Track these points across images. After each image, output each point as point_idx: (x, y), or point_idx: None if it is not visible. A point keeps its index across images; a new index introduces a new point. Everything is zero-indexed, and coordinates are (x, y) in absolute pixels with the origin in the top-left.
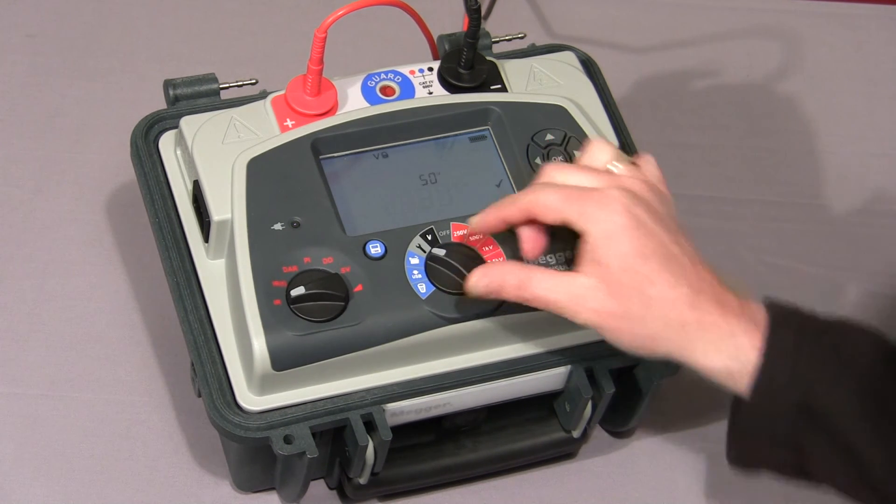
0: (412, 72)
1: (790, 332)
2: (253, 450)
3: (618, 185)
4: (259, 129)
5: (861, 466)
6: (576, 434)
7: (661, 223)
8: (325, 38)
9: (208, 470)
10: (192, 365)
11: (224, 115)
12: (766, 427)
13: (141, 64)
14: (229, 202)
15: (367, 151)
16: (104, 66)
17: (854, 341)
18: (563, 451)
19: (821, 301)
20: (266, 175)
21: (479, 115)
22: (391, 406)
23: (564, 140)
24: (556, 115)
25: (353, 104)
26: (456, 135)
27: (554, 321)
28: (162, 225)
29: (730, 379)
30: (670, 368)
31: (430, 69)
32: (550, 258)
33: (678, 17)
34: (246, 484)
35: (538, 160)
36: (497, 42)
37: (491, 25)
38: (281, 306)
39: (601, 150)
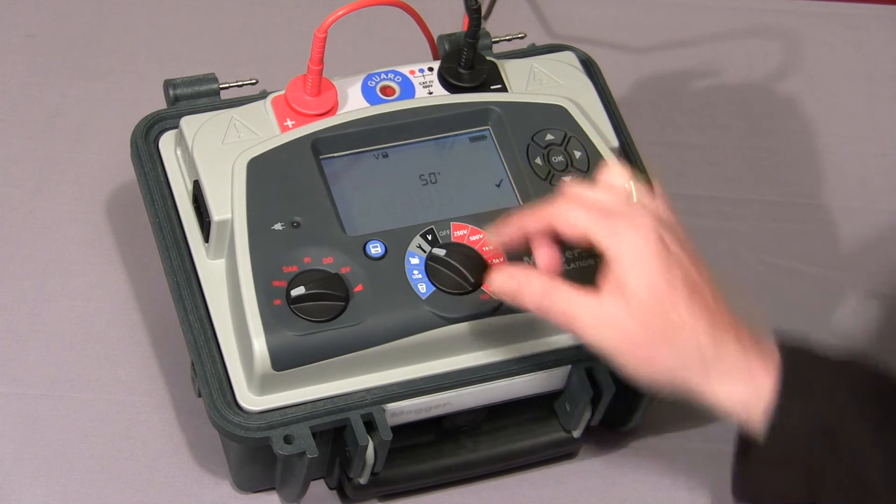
0: (412, 72)
1: (805, 366)
2: (253, 450)
3: (646, 210)
4: (259, 129)
5: (877, 499)
6: (576, 434)
7: (686, 252)
8: (325, 38)
9: (208, 470)
10: (192, 365)
11: (224, 115)
12: (780, 462)
13: (141, 64)
14: (229, 202)
15: (367, 151)
16: (104, 66)
17: (868, 373)
18: (563, 451)
19: (821, 301)
20: (266, 175)
21: (479, 115)
22: (391, 406)
23: (564, 140)
24: (556, 115)
25: (353, 104)
26: (456, 135)
27: None
28: (162, 225)
29: (745, 412)
30: None
31: (430, 69)
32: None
33: (678, 17)
34: (246, 484)
35: (538, 160)
36: (497, 42)
37: (491, 25)
38: (281, 306)
39: (620, 175)
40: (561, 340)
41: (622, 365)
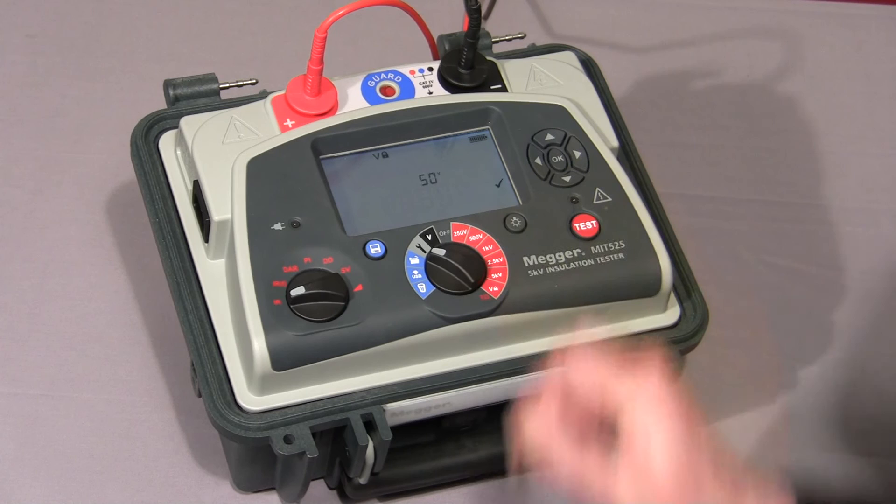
0: (412, 72)
1: None
2: (253, 450)
3: (660, 388)
4: (259, 129)
5: None
6: None
7: (700, 431)
8: (325, 38)
9: (208, 470)
10: (192, 365)
11: (224, 115)
12: None
13: (141, 64)
14: (229, 202)
15: (367, 151)
16: (104, 66)
17: None
18: None
19: (821, 301)
20: (266, 175)
21: (479, 115)
22: (391, 406)
23: (564, 140)
24: (556, 115)
25: (353, 104)
26: (456, 135)
27: (554, 321)
28: (162, 225)
29: None
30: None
31: (430, 69)
32: None
33: (678, 17)
34: (246, 484)
35: (538, 160)
36: (497, 42)
37: (491, 25)
38: (281, 306)
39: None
40: (561, 341)
41: None
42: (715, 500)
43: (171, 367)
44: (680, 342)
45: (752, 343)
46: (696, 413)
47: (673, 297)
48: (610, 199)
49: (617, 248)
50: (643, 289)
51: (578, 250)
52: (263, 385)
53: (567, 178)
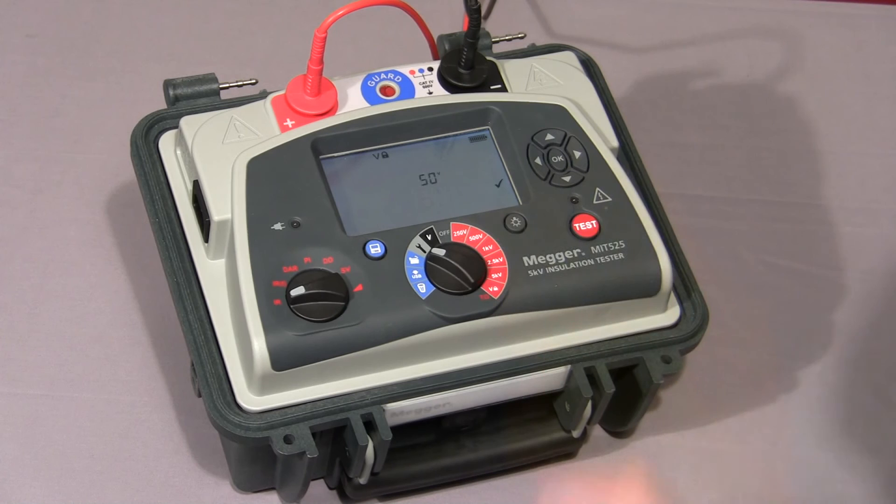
0: (412, 72)
1: None
2: (253, 450)
3: None
4: (259, 129)
5: None
6: (576, 434)
7: None
8: (325, 38)
9: (208, 470)
10: (192, 365)
11: (224, 115)
12: None
13: (141, 64)
14: (229, 202)
15: (367, 151)
16: (104, 66)
17: None
18: (563, 451)
19: (821, 301)
20: (266, 175)
21: (479, 115)
22: (391, 406)
23: (564, 140)
24: (556, 115)
25: (353, 104)
26: (456, 135)
27: (554, 321)
28: (162, 225)
29: None
30: (670, 368)
31: (430, 69)
32: None
33: (678, 17)
34: (246, 484)
35: (538, 160)
36: (497, 42)
37: (491, 25)
38: (281, 306)
39: None
40: (561, 340)
41: None
42: None
43: (171, 367)
44: (680, 342)
45: (752, 343)
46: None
47: (673, 297)
48: (610, 199)
49: (617, 248)
50: (643, 289)
51: (578, 250)
52: (263, 385)
53: (567, 178)
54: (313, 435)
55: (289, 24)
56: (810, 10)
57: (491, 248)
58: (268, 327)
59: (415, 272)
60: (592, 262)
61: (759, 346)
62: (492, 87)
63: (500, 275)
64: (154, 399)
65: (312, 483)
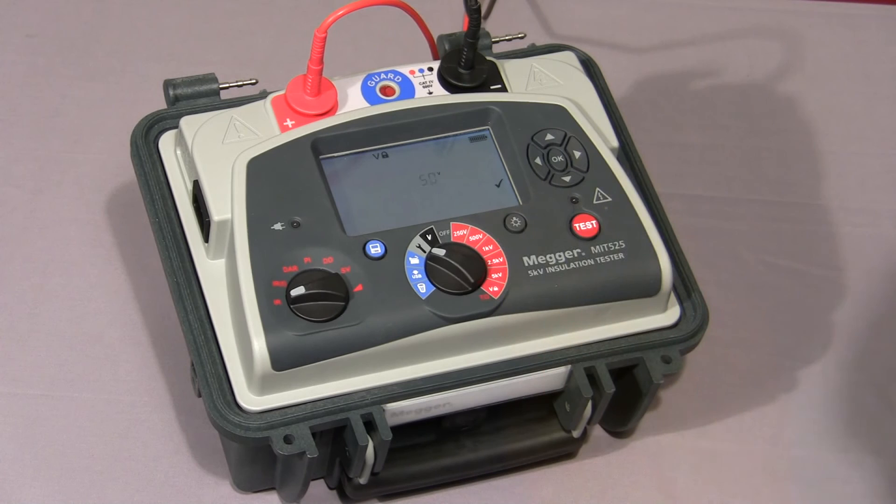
0: (412, 72)
1: None
2: (253, 450)
3: None
4: (259, 129)
5: None
6: (576, 434)
7: None
8: (325, 38)
9: (208, 470)
10: (192, 365)
11: (224, 115)
12: None
13: (141, 64)
14: (229, 202)
15: (367, 151)
16: (104, 66)
17: None
18: (563, 451)
19: (821, 301)
20: (266, 175)
21: (479, 115)
22: (391, 406)
23: (564, 140)
24: (556, 115)
25: (353, 104)
26: (456, 135)
27: (554, 321)
28: (162, 225)
29: None
30: (670, 368)
31: (430, 69)
32: None
33: (678, 17)
34: (246, 484)
35: (538, 160)
36: (497, 42)
37: (491, 25)
38: (281, 306)
39: None
40: (561, 340)
41: None
42: None
43: (171, 367)
44: (680, 342)
45: (752, 343)
46: None
47: (673, 297)
48: (610, 199)
49: (617, 248)
50: (643, 289)
51: (578, 250)
52: (263, 385)
53: (567, 178)
54: (313, 435)
55: (289, 24)
56: (810, 10)
57: (491, 248)
58: (268, 327)
59: (415, 272)
60: (592, 262)
61: (759, 346)
62: (492, 87)
63: (500, 275)
64: (154, 399)
65: (312, 483)
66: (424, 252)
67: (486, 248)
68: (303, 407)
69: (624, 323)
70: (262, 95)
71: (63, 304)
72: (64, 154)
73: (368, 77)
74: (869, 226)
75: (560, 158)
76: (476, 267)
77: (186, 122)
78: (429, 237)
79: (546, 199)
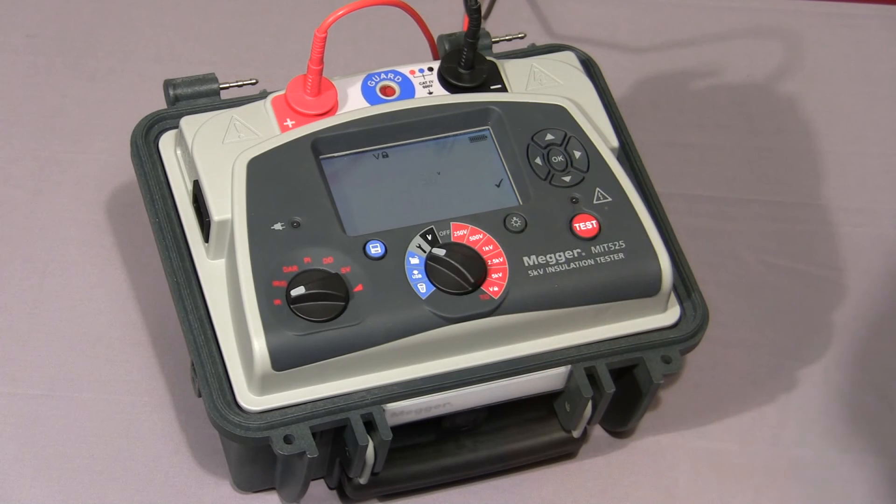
0: (412, 72)
1: None
2: (253, 450)
3: None
4: (259, 129)
5: None
6: (576, 434)
7: None
8: (325, 38)
9: (208, 470)
10: (192, 365)
11: (224, 115)
12: None
13: (141, 64)
14: (229, 202)
15: (367, 151)
16: (104, 66)
17: None
18: (563, 451)
19: (821, 301)
20: (266, 175)
21: (479, 115)
22: (391, 406)
23: (564, 140)
24: (556, 115)
25: (353, 104)
26: (456, 135)
27: (554, 321)
28: (162, 225)
29: None
30: (670, 368)
31: (430, 69)
32: None
33: (678, 17)
34: (246, 484)
35: (538, 160)
36: (497, 42)
37: (491, 25)
38: (281, 306)
39: None
40: (561, 340)
41: None
42: None
43: (171, 367)
44: (680, 342)
45: (752, 343)
46: None
47: (673, 297)
48: (610, 199)
49: (617, 248)
50: (643, 289)
51: (578, 250)
52: (263, 385)
53: (567, 178)
54: (313, 435)
55: (289, 24)
56: (810, 10)
57: (491, 248)
58: (268, 327)
59: (415, 272)
60: (592, 262)
61: (759, 346)
62: (492, 87)
63: (500, 275)
64: (154, 399)
65: (312, 483)
66: (424, 252)
67: (487, 248)
68: (303, 407)
69: (624, 323)
70: (262, 95)
71: (63, 304)
72: (64, 154)
73: (368, 77)
74: (869, 226)
75: (560, 158)
76: (476, 267)
77: (186, 122)
78: (429, 237)
79: (546, 199)
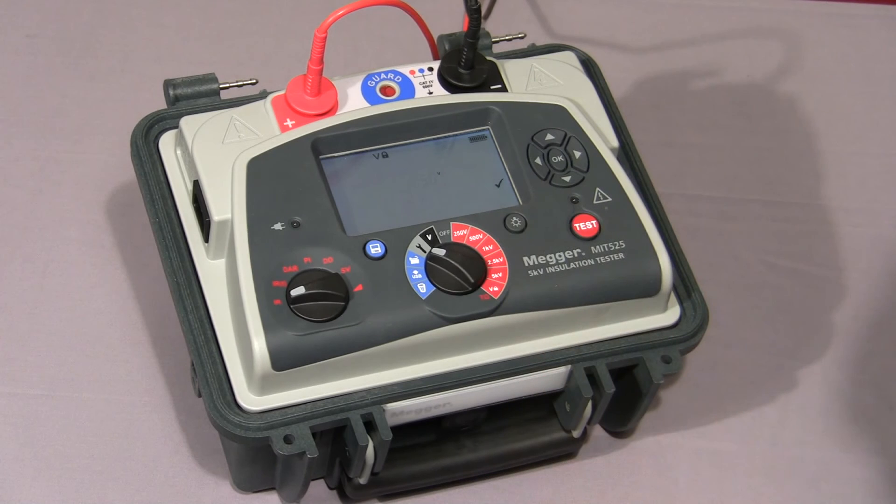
0: (412, 72)
1: None
2: (253, 450)
3: None
4: (259, 129)
5: None
6: (576, 434)
7: None
8: (325, 38)
9: (208, 470)
10: (192, 365)
11: (224, 115)
12: None
13: (141, 64)
14: (229, 202)
15: (367, 151)
16: (104, 66)
17: None
18: (563, 451)
19: (821, 301)
20: (266, 175)
21: (479, 115)
22: (391, 406)
23: (564, 140)
24: (556, 115)
25: (353, 104)
26: (456, 135)
27: (554, 321)
28: (162, 225)
29: None
30: (670, 368)
31: (430, 69)
32: None
33: (678, 17)
34: (246, 484)
35: (538, 160)
36: (497, 42)
37: (491, 25)
38: (281, 306)
39: None
40: (561, 340)
41: None
42: None
43: (171, 367)
44: (680, 342)
45: (752, 343)
46: None
47: (673, 297)
48: (610, 199)
49: (617, 248)
50: (643, 289)
51: (578, 250)
52: (263, 385)
53: (567, 178)
54: (313, 435)
55: (289, 24)
56: (810, 10)
57: (491, 248)
58: (268, 327)
59: (415, 272)
60: (592, 262)
61: (759, 346)
62: (492, 87)
63: (500, 275)
64: (154, 399)
65: (312, 483)
66: (424, 252)
67: (486, 248)
68: (303, 407)
69: (624, 323)
70: (262, 95)
71: (63, 304)
72: (64, 154)
73: (368, 77)
74: (869, 226)
75: (560, 158)
76: (476, 267)
77: (186, 122)
78: (429, 237)
79: (546, 199)
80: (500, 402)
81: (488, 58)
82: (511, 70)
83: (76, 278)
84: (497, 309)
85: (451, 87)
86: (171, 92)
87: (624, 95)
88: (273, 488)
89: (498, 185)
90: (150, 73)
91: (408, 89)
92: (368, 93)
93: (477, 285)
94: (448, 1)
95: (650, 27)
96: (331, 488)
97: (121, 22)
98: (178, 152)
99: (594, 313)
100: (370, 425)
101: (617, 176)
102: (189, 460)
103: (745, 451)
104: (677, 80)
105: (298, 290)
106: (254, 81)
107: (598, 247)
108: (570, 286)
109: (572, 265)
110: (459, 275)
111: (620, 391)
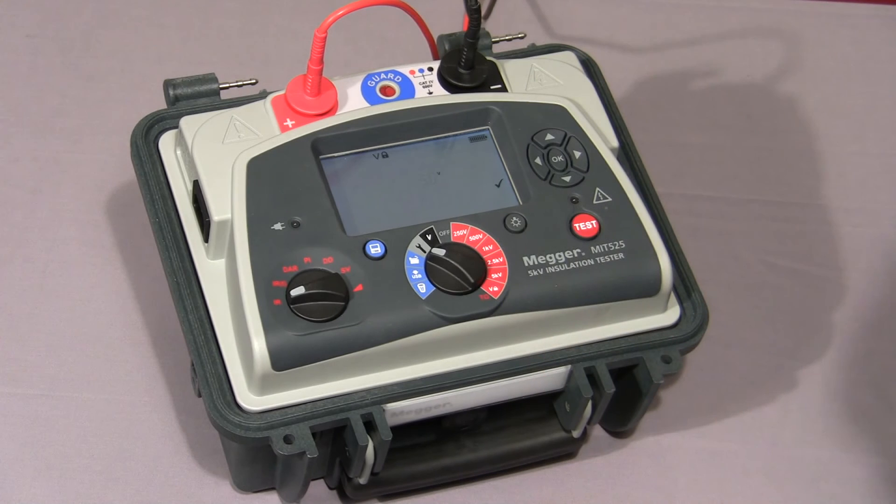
0: (412, 72)
1: None
2: (253, 450)
3: None
4: (259, 129)
5: None
6: (576, 434)
7: None
8: (325, 38)
9: (208, 470)
10: (192, 365)
11: (224, 115)
12: None
13: (141, 64)
14: (229, 202)
15: (367, 151)
16: (104, 66)
17: None
18: (563, 451)
19: (821, 301)
20: (266, 175)
21: (479, 115)
22: (391, 406)
23: (564, 140)
24: (556, 115)
25: (353, 104)
26: (456, 135)
27: (554, 321)
28: (162, 225)
29: None
30: (670, 368)
31: (430, 69)
32: None
33: (678, 17)
34: (246, 484)
35: (538, 160)
36: (497, 42)
37: (491, 25)
38: (281, 306)
39: None
40: (561, 340)
41: None
42: None
43: (171, 367)
44: (680, 342)
45: (752, 343)
46: None
47: (673, 297)
48: (610, 199)
49: (617, 248)
50: (643, 289)
51: (578, 250)
52: (263, 385)
53: (567, 178)
54: (313, 435)
55: (289, 24)
56: (810, 10)
57: (491, 248)
58: (268, 327)
59: (415, 272)
60: (592, 262)
61: (759, 346)
62: (492, 87)
63: (500, 275)
64: (154, 399)
65: (312, 483)
66: (424, 252)
67: (486, 248)
68: (303, 407)
69: (624, 323)
70: (262, 95)
71: (63, 304)
72: (64, 154)
73: (368, 77)
74: (869, 226)
75: (560, 158)
76: (476, 267)
77: (186, 122)
78: (429, 237)
79: (546, 199)
80: (500, 402)
81: (488, 58)
82: (511, 70)
83: (76, 278)
84: (497, 309)
85: (451, 87)
86: (171, 92)
87: (624, 95)
88: (273, 488)
89: (498, 185)
90: (150, 73)
91: (408, 89)
92: (368, 93)
93: (477, 285)
94: (448, 1)
95: (650, 27)
96: (331, 488)
97: (121, 22)
98: (178, 152)
99: (594, 313)
100: (370, 425)
101: (617, 176)
102: (189, 460)
103: (745, 451)
104: (677, 80)
105: (298, 290)
106: (254, 81)
107: (597, 247)
108: (570, 286)
109: (572, 265)
110: (459, 275)
111: (620, 391)
